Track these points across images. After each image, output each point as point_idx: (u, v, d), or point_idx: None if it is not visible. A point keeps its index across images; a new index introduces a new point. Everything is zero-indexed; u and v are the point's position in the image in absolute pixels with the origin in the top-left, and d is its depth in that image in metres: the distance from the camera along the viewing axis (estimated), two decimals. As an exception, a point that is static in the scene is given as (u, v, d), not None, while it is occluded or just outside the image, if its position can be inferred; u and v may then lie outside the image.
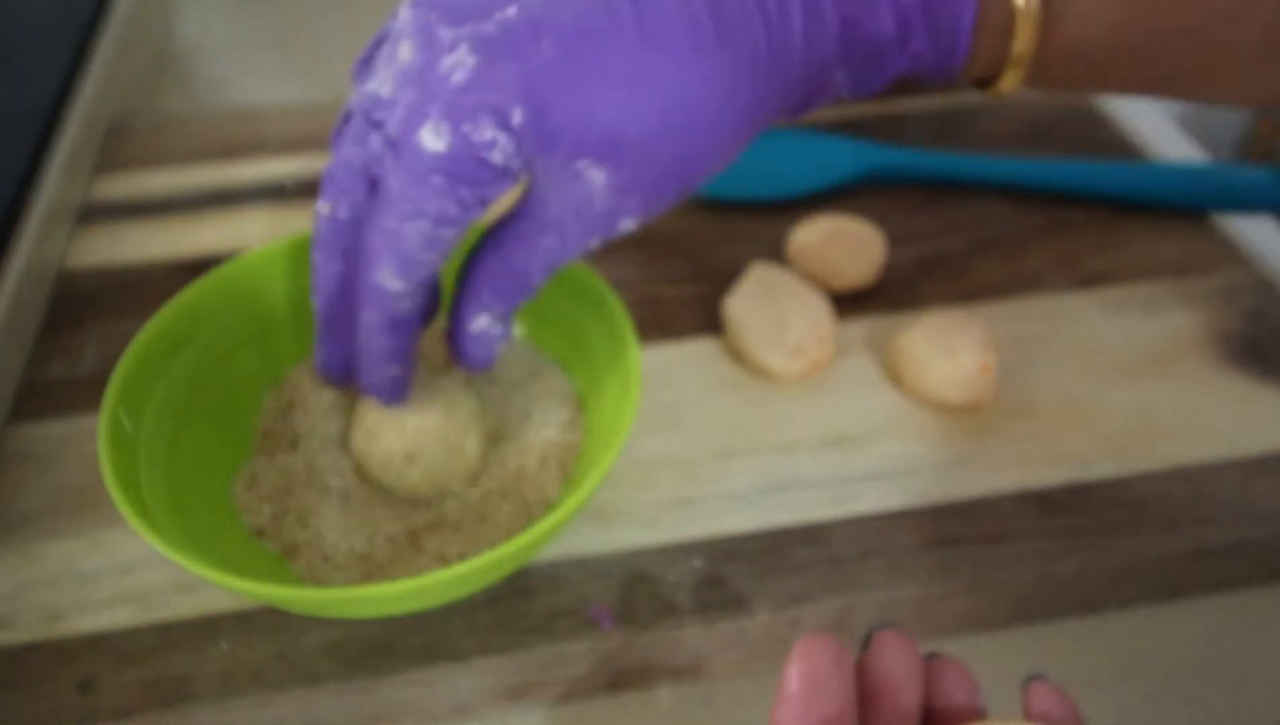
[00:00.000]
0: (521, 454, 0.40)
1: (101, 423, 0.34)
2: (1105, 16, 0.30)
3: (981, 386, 0.45)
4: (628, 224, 0.32)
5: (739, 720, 0.38)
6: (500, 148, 0.30)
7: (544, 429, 0.41)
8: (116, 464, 0.34)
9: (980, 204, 0.58)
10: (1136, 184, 0.57)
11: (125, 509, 0.32)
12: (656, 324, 0.49)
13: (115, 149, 0.61)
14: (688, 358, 0.48)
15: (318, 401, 0.42)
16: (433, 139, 0.29)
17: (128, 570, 0.39)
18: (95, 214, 0.56)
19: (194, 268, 0.52)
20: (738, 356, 0.48)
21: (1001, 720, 0.23)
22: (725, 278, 0.51)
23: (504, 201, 0.33)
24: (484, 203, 0.31)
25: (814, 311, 0.47)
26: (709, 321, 0.50)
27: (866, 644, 0.26)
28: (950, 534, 0.41)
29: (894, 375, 0.47)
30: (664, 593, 0.38)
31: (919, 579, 0.39)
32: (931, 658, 0.26)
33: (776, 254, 0.53)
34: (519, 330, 0.44)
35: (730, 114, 0.30)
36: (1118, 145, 0.62)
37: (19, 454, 0.43)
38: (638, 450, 0.44)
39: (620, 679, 0.38)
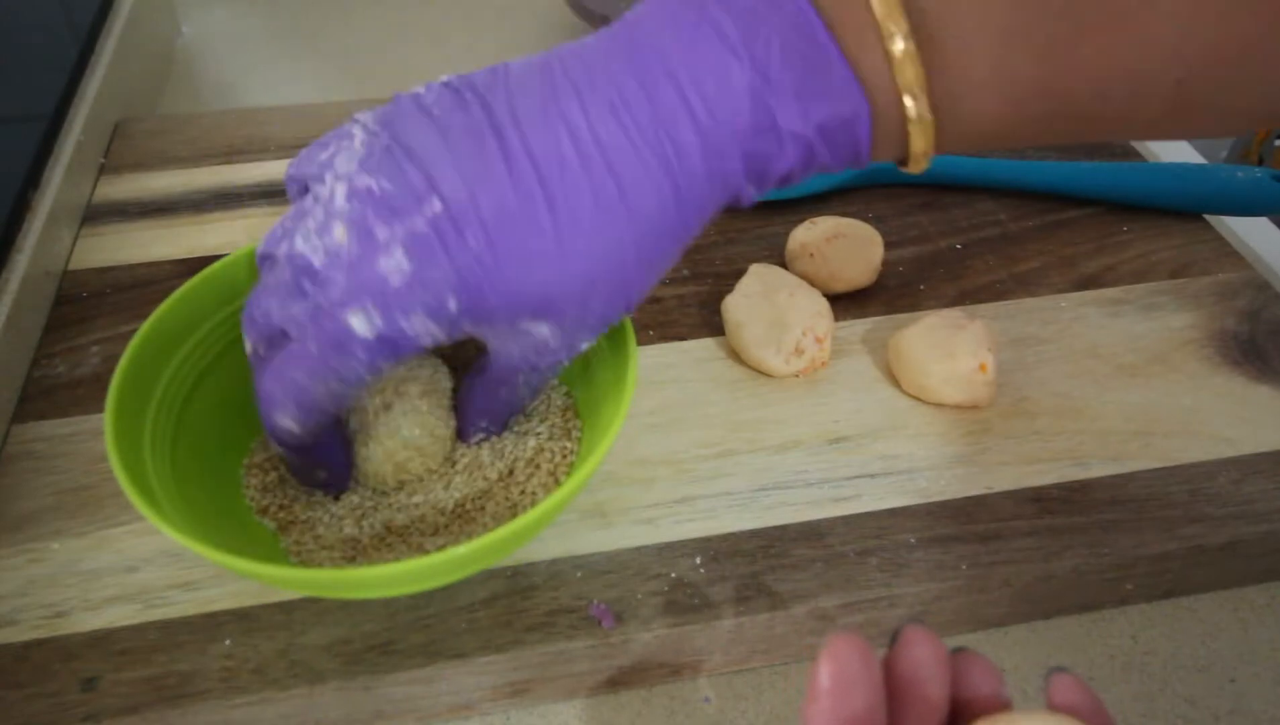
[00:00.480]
0: (512, 455, 0.40)
1: (108, 412, 0.35)
2: (997, 105, 0.31)
3: (979, 386, 0.45)
4: (586, 345, 0.35)
5: (739, 718, 0.38)
6: (430, 333, 0.32)
7: (535, 430, 0.41)
8: (123, 451, 0.34)
9: (978, 204, 0.58)
10: (1134, 185, 0.57)
11: (132, 493, 0.33)
12: (656, 324, 0.50)
13: (119, 150, 0.61)
14: (688, 358, 0.48)
15: None
16: (363, 325, 0.31)
17: (131, 568, 0.39)
18: (99, 214, 0.56)
19: (197, 268, 0.52)
20: (737, 356, 0.48)
21: (1027, 713, 0.24)
22: (725, 278, 0.51)
23: None
24: (395, 366, 0.34)
25: (813, 312, 0.47)
26: (709, 321, 0.50)
27: (894, 640, 0.27)
28: (948, 533, 0.41)
29: (892, 375, 0.47)
30: (664, 591, 0.39)
31: (917, 577, 0.39)
32: (958, 652, 0.26)
33: (776, 254, 0.53)
34: None
35: (649, 249, 0.32)
36: (1115, 146, 0.62)
37: (23, 453, 0.43)
38: (638, 450, 0.44)
39: (621, 677, 0.39)
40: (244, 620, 0.38)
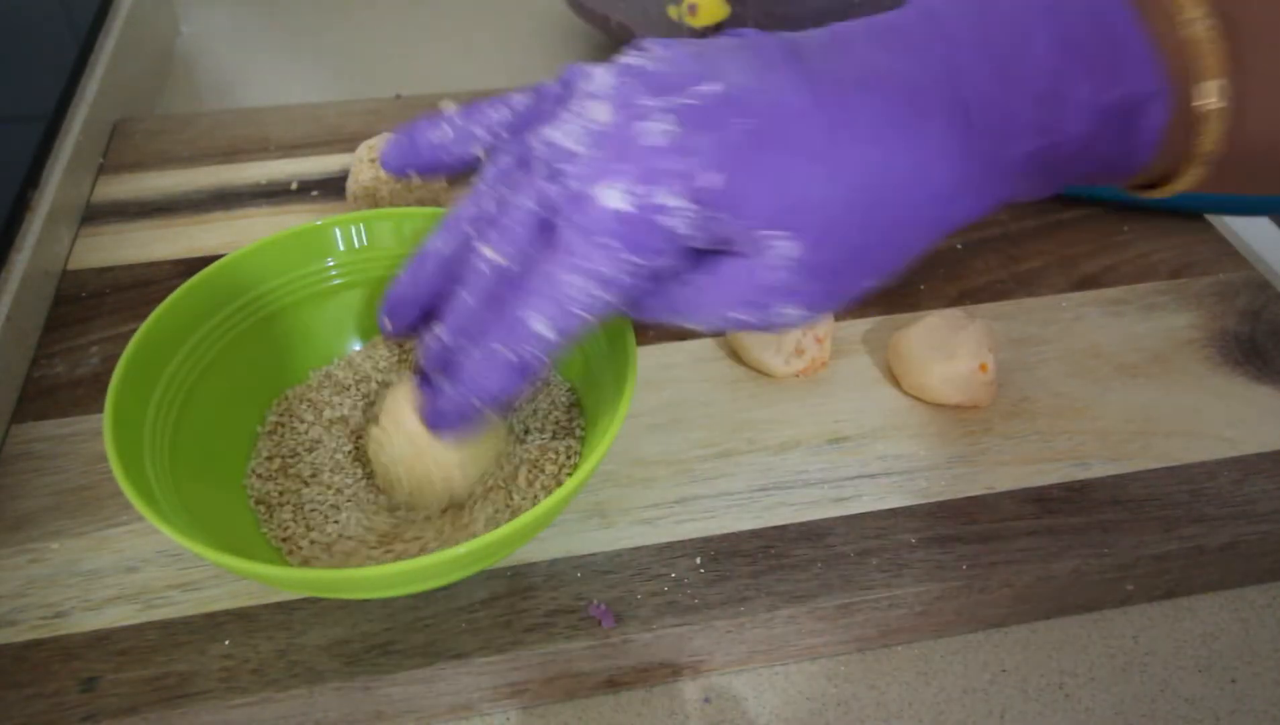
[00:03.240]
0: (516, 457, 0.40)
1: (107, 412, 0.35)
2: None
3: (979, 386, 0.45)
4: (792, 312, 0.32)
5: (739, 718, 0.38)
6: (684, 215, 0.30)
7: (538, 428, 0.41)
8: (122, 451, 0.34)
9: (979, 204, 0.58)
10: (1135, 185, 0.57)
11: (131, 493, 0.33)
12: (656, 324, 0.50)
13: (118, 150, 0.61)
14: (688, 357, 0.48)
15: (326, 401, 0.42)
16: (618, 199, 0.30)
17: (130, 569, 0.39)
18: (98, 214, 0.56)
19: (197, 268, 0.52)
20: (737, 356, 0.48)
21: None
22: (725, 278, 0.51)
23: None
24: (654, 275, 0.31)
25: (813, 311, 0.47)
26: (709, 321, 0.50)
27: None
28: (948, 533, 0.41)
29: (892, 375, 0.47)
30: (664, 591, 0.39)
31: (917, 577, 0.39)
32: None
33: (776, 254, 0.53)
34: None
35: (918, 198, 0.31)
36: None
37: (22, 453, 0.43)
38: (638, 450, 0.44)
39: (620, 677, 0.39)
40: (244, 620, 0.38)
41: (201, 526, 0.35)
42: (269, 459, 0.41)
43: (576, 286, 0.31)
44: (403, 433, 0.36)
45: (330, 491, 0.40)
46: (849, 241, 0.31)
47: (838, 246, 0.30)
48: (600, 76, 0.31)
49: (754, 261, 0.31)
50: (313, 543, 0.38)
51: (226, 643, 0.37)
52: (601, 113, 0.30)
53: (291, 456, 0.41)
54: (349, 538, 0.38)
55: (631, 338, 0.38)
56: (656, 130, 0.29)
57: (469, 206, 0.34)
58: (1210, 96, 0.29)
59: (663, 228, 0.30)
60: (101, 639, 0.37)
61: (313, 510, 0.39)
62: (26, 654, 0.37)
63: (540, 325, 0.31)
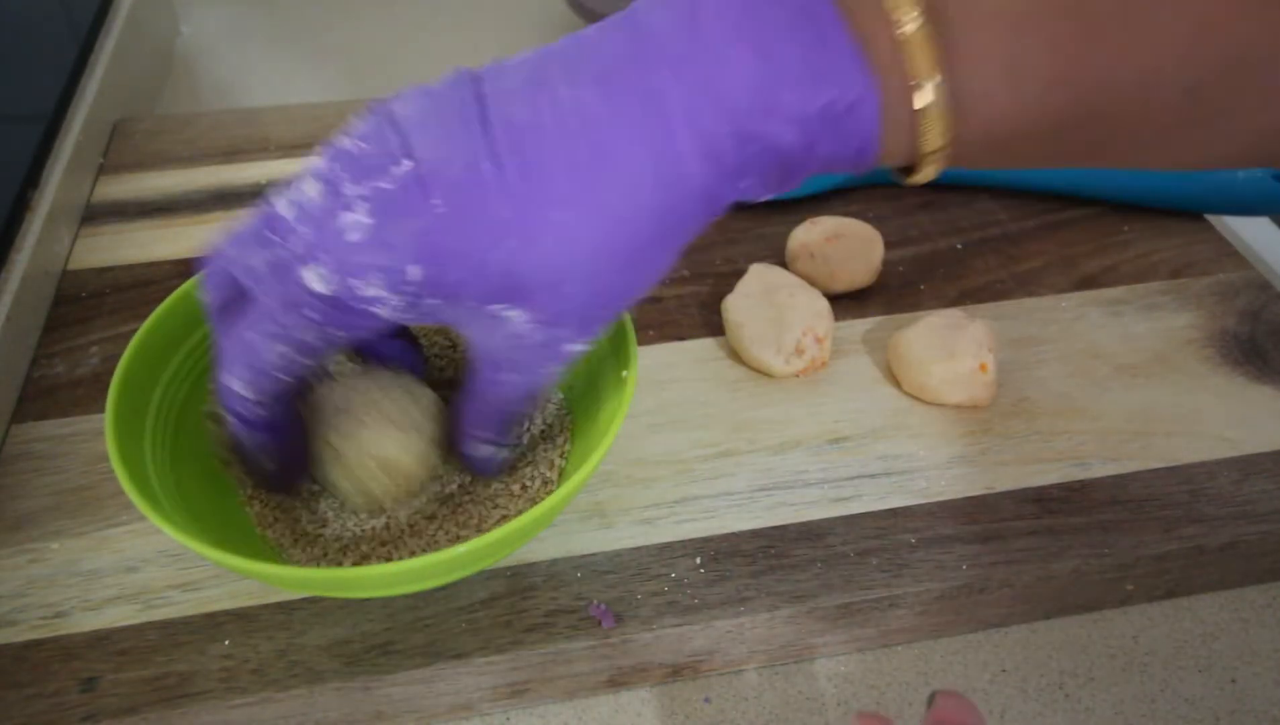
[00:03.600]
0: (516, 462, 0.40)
1: (109, 411, 0.35)
2: (1008, 101, 0.29)
3: (979, 386, 0.45)
4: (575, 348, 0.33)
5: (739, 718, 0.38)
6: (389, 303, 0.30)
7: (531, 430, 0.41)
8: (124, 450, 0.34)
9: (979, 204, 0.58)
10: (1134, 185, 0.57)
11: (133, 493, 0.33)
12: (656, 324, 0.50)
13: (118, 150, 0.61)
14: (688, 358, 0.48)
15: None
16: (318, 282, 0.30)
17: (130, 569, 0.39)
18: (98, 214, 0.56)
19: (197, 268, 0.52)
20: (738, 356, 0.48)
21: None
22: (725, 278, 0.51)
23: None
24: (352, 342, 0.33)
25: (813, 312, 0.47)
26: (709, 321, 0.50)
27: (931, 702, 0.28)
28: (948, 533, 0.41)
29: (893, 375, 0.47)
30: (664, 591, 0.39)
31: (917, 577, 0.39)
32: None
33: (776, 254, 0.53)
34: None
35: (631, 235, 0.31)
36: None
37: (22, 453, 0.43)
38: (638, 450, 0.44)
39: (620, 677, 0.39)
40: (243, 620, 0.38)
41: (203, 526, 0.35)
42: None
43: (271, 351, 0.32)
44: (329, 448, 0.37)
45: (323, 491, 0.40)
46: (576, 296, 0.31)
47: (568, 300, 0.31)
48: (321, 157, 0.31)
49: (495, 332, 0.32)
50: (314, 539, 0.38)
51: (226, 643, 0.37)
52: (311, 190, 0.31)
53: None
54: (349, 537, 0.38)
55: (632, 336, 0.38)
56: (352, 223, 0.30)
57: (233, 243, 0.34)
58: (927, 96, 0.29)
59: (368, 312, 0.31)
60: (101, 639, 0.37)
61: (313, 508, 0.39)
62: (26, 654, 0.37)
63: (240, 388, 0.33)
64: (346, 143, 0.31)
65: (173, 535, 0.32)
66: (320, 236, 0.30)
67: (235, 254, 0.32)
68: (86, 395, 0.46)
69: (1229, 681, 0.40)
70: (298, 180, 0.31)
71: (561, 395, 0.43)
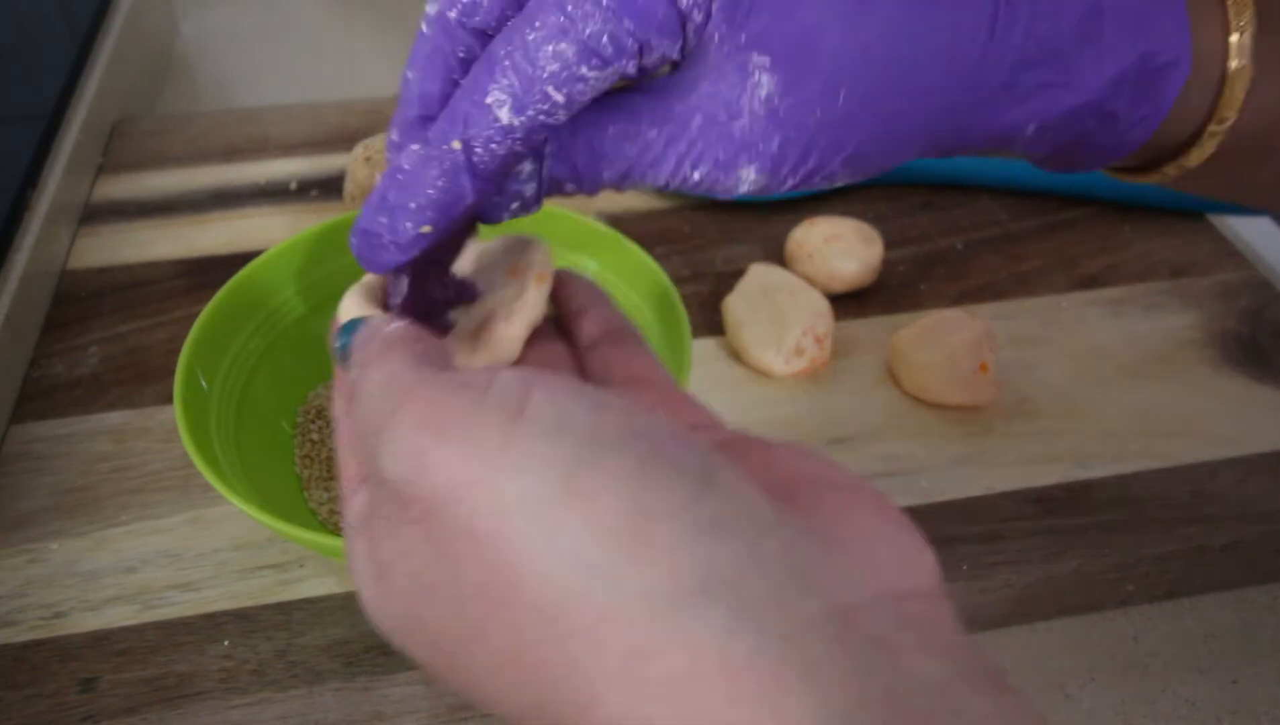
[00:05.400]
0: None
1: (178, 382, 0.35)
2: None
3: (980, 386, 0.45)
4: (748, 175, 0.27)
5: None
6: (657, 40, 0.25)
7: None
8: (191, 422, 0.35)
9: (979, 204, 0.58)
10: (1135, 185, 0.57)
11: (201, 464, 0.33)
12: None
13: (117, 150, 0.61)
14: (687, 358, 0.48)
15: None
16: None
17: (129, 569, 0.39)
18: (98, 214, 0.56)
19: (196, 268, 0.52)
20: (738, 356, 0.48)
21: None
22: (725, 278, 0.51)
23: None
24: (637, 60, 0.26)
25: (813, 311, 0.47)
26: (709, 321, 0.50)
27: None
28: (949, 533, 0.41)
29: (893, 375, 0.47)
30: (664, 591, 0.39)
31: (918, 578, 0.39)
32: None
33: (776, 254, 0.53)
34: None
35: (923, 87, 0.27)
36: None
37: (21, 453, 0.43)
38: (638, 450, 0.44)
39: (620, 677, 0.39)
40: (243, 621, 0.37)
41: (265, 500, 0.36)
42: (308, 439, 0.42)
43: (552, 54, 0.25)
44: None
45: None
46: (831, 100, 0.27)
47: (821, 101, 0.26)
48: None
49: (725, 88, 0.26)
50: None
51: (226, 643, 0.37)
52: None
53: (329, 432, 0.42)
54: None
55: (685, 323, 0.38)
56: None
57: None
58: (1243, 56, 0.28)
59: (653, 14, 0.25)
60: (101, 639, 0.37)
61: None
62: (26, 654, 0.36)
63: (499, 108, 0.26)
64: None
65: (252, 515, 0.32)
66: None
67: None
68: (86, 395, 0.46)
69: (1230, 682, 0.39)
70: None
71: None
